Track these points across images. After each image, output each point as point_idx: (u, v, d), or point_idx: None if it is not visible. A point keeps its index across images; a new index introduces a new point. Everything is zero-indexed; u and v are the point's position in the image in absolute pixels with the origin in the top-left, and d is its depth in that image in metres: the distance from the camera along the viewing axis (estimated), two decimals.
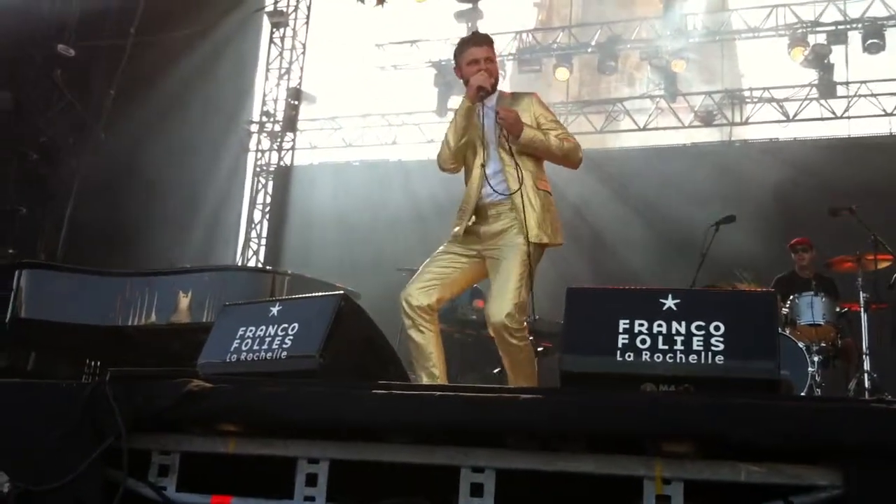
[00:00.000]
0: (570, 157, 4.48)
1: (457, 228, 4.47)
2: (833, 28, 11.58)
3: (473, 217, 4.45)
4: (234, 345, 3.59)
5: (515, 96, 4.60)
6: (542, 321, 7.48)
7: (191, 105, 11.99)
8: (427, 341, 4.35)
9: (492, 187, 4.37)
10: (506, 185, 4.35)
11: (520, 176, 4.31)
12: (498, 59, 14.06)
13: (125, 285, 6.55)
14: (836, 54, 11.47)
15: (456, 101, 13.45)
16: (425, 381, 4.25)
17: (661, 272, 9.57)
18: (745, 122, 12.16)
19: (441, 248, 4.52)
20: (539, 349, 7.10)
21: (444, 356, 4.43)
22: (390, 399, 2.92)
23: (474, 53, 4.49)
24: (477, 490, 2.78)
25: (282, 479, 3.01)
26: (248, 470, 3.13)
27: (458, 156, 4.50)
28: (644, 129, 12.67)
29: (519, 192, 4.29)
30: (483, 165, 4.43)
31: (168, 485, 3.13)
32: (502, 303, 4.19)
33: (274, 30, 14.16)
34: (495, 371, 7.59)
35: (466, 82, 4.48)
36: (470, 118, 4.42)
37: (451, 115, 13.45)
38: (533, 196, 4.35)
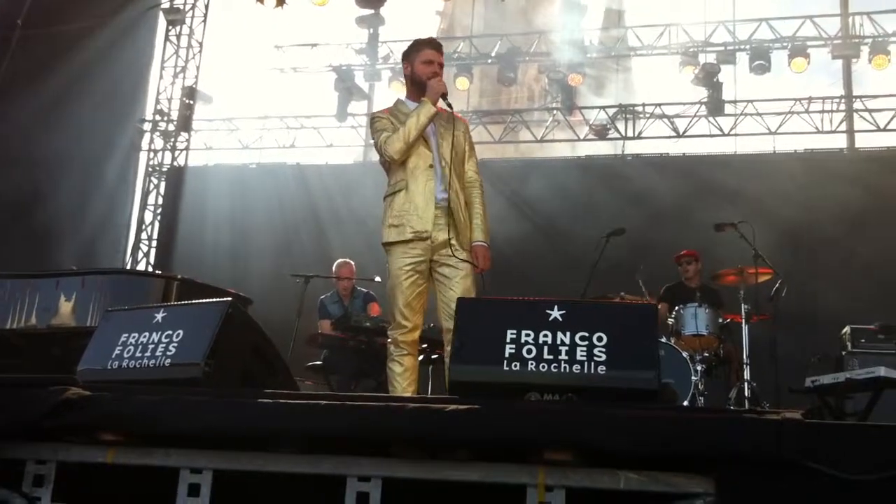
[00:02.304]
0: None
1: (413, 235, 4.53)
2: (722, 48, 12.02)
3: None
4: (116, 351, 3.49)
5: (452, 117, 4.77)
6: (435, 329, 7.52)
7: (80, 102, 11.61)
8: (413, 365, 4.60)
9: (440, 192, 4.57)
10: (446, 194, 4.57)
11: (455, 187, 4.61)
12: (398, 67, 14.05)
13: (3, 287, 6.28)
14: (725, 74, 11.90)
15: (356, 106, 13.48)
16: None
17: (554, 282, 9.73)
18: (638, 137, 12.48)
19: (399, 271, 4.55)
20: (433, 356, 7.14)
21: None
22: (276, 408, 2.89)
23: (430, 55, 4.70)
24: (363, 499, 2.77)
25: (164, 490, 2.94)
26: (128, 480, 3.05)
27: (408, 150, 4.60)
28: (541, 140, 12.89)
29: (458, 202, 4.57)
30: (432, 167, 4.59)
31: (43, 496, 3.03)
32: None
33: (170, 27, 13.85)
34: None
35: (415, 79, 4.71)
36: (431, 120, 4.58)
37: (350, 120, 13.44)
38: (464, 208, 4.63)
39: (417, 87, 4.70)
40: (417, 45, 4.76)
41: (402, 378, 4.53)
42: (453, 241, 4.48)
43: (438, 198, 4.56)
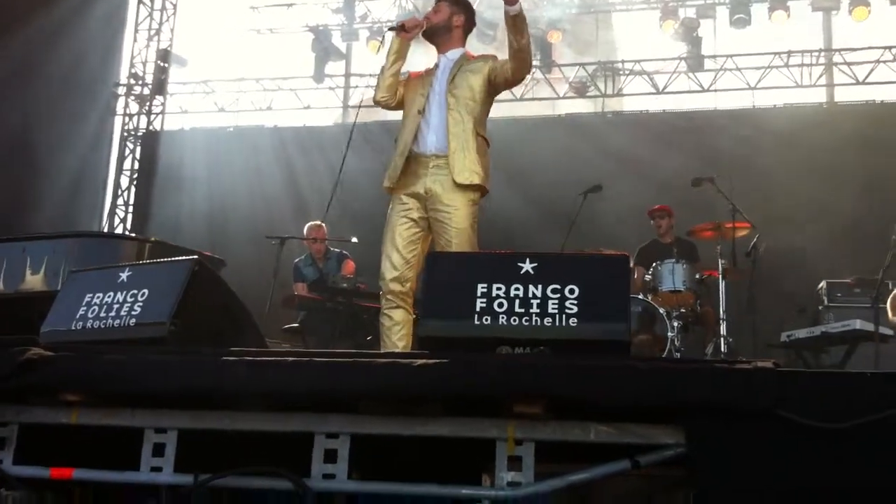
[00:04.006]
0: (529, 48, 4.57)
1: (388, 183, 4.61)
2: (702, 2, 11.88)
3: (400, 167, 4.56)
4: (80, 312, 3.42)
5: (475, 59, 4.79)
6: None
7: (51, 65, 11.38)
8: (407, 318, 4.49)
9: (431, 140, 4.56)
10: (445, 138, 4.51)
11: (463, 118, 4.54)
12: (375, 26, 13.65)
13: None
14: (705, 28, 11.78)
15: (333, 67, 13.31)
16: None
17: (533, 240, 9.69)
18: (618, 94, 12.38)
19: (395, 218, 4.57)
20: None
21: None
22: (242, 365, 2.84)
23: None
24: (331, 456, 2.75)
25: (129, 450, 2.90)
26: (92, 441, 3.00)
27: (390, 88, 4.68)
28: (520, 99, 12.75)
29: (459, 133, 4.51)
30: (420, 113, 4.57)
31: (5, 457, 2.99)
32: None
33: None
34: (368, 338, 7.55)
35: None
36: (394, 49, 4.64)
37: (327, 82, 13.25)
38: (472, 139, 4.55)
39: None
40: None
41: (392, 332, 4.46)
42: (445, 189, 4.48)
43: (420, 144, 4.56)
